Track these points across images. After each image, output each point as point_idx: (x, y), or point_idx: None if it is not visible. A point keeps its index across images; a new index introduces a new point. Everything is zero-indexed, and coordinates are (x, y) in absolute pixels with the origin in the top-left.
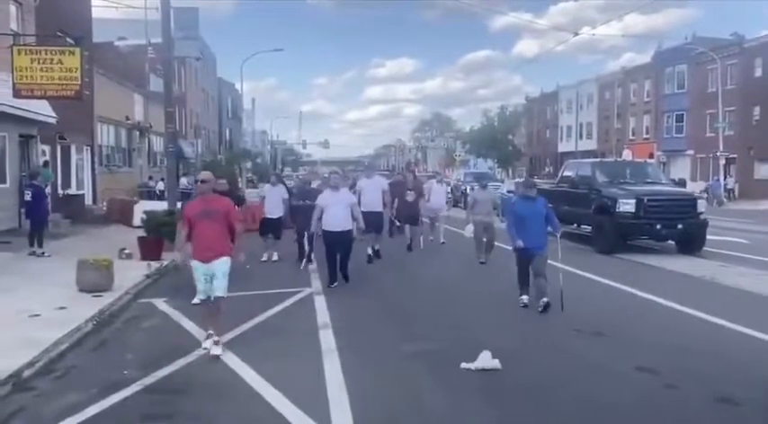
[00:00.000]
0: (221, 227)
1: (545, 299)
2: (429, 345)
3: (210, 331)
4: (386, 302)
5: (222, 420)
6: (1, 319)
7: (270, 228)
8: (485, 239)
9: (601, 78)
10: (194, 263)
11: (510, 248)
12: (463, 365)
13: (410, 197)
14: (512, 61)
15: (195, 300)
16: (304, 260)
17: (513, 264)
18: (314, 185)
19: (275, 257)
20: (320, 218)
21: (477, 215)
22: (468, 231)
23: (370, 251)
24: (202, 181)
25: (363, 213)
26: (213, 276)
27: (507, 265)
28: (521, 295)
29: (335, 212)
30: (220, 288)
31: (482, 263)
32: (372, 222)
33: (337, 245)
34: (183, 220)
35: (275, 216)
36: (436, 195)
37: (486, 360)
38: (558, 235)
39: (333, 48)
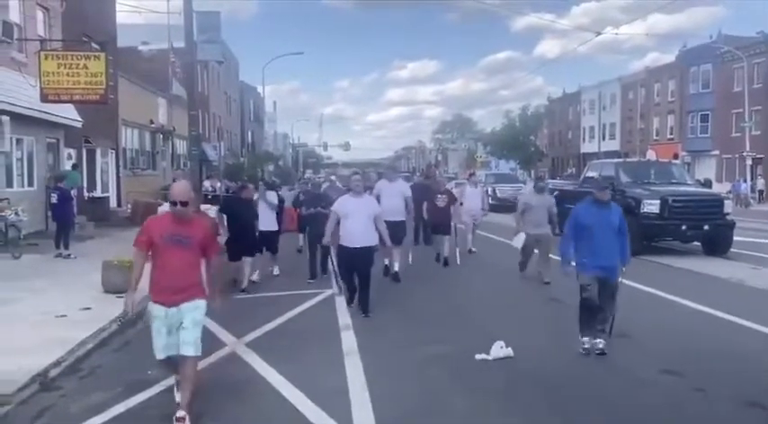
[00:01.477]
0: (195, 259)
1: (601, 343)
2: (451, 348)
3: (178, 400)
4: (408, 304)
5: (245, 420)
6: (28, 319)
7: (263, 243)
8: (536, 251)
9: (624, 78)
10: (153, 308)
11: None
12: (478, 356)
13: (441, 201)
14: (533, 62)
15: (159, 356)
16: (335, 284)
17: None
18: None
19: (276, 271)
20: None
21: (528, 225)
22: (518, 241)
23: (387, 261)
24: (180, 203)
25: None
26: (180, 326)
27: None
28: (581, 335)
29: (356, 224)
30: (190, 344)
31: (523, 277)
32: (395, 233)
33: (357, 264)
34: (138, 242)
35: (269, 229)
36: (471, 199)
37: (499, 350)
38: (624, 270)
39: (355, 51)
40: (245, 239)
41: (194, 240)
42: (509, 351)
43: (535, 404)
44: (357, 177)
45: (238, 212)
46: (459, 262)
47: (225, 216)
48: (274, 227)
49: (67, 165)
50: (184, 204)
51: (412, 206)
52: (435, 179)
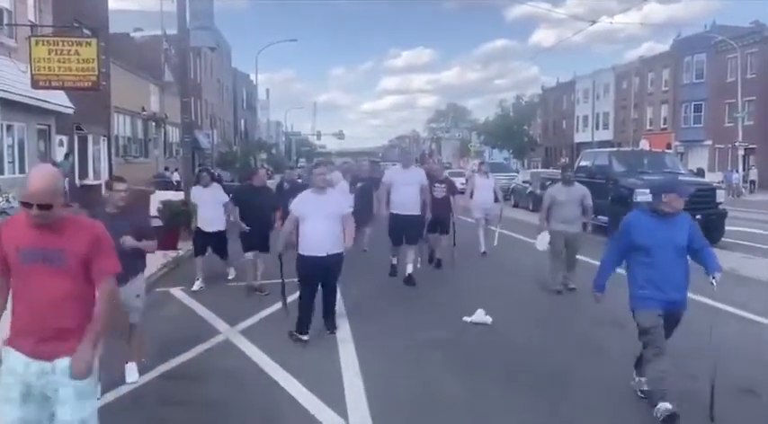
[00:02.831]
0: (75, 286)
1: (667, 406)
2: (445, 334)
3: None
4: (402, 292)
5: (239, 407)
6: None
7: (208, 245)
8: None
9: (618, 67)
10: (6, 354)
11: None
12: (465, 318)
13: (439, 191)
14: (529, 51)
15: None
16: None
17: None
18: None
19: (231, 274)
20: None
21: (556, 222)
22: (542, 243)
23: (394, 261)
24: (39, 206)
25: (397, 217)
26: (55, 397)
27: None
28: (638, 375)
29: (316, 227)
30: None
31: (558, 292)
32: (409, 230)
33: (318, 277)
34: None
35: (215, 229)
36: (482, 191)
37: (480, 316)
38: (716, 280)
39: (350, 39)
40: (259, 231)
41: (70, 256)
42: (488, 319)
43: (529, 390)
44: (321, 169)
45: (252, 201)
46: (455, 263)
47: (238, 208)
48: (221, 227)
49: (59, 153)
50: (45, 208)
51: (429, 197)
52: (432, 165)
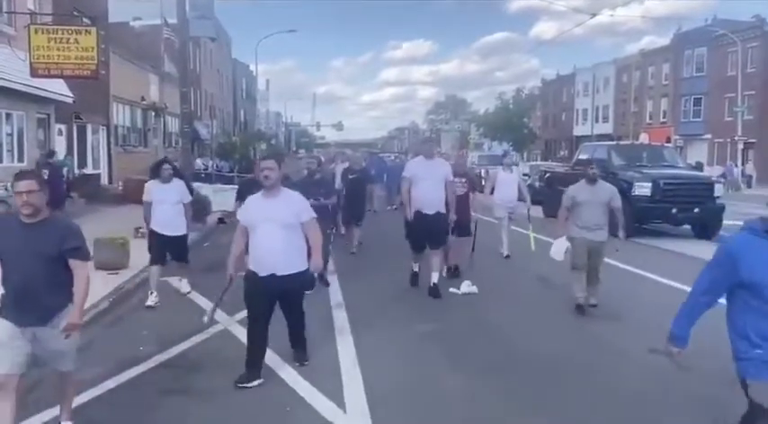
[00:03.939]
0: None
1: None
2: (442, 326)
3: None
4: (401, 283)
5: (237, 396)
6: None
7: (167, 252)
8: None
9: (618, 61)
10: None
11: None
12: (451, 289)
13: (459, 188)
14: (529, 43)
15: None
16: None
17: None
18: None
19: (186, 288)
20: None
21: (577, 227)
22: (558, 250)
23: (416, 268)
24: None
25: (419, 217)
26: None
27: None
28: None
29: (266, 237)
30: None
31: (580, 308)
32: (433, 232)
33: (271, 299)
34: None
35: (176, 233)
36: (505, 187)
37: (467, 286)
38: None
39: (350, 30)
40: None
41: None
42: (474, 289)
43: (527, 382)
44: (268, 163)
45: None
46: (473, 267)
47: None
48: (182, 230)
49: (59, 142)
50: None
51: (454, 195)
52: (456, 159)
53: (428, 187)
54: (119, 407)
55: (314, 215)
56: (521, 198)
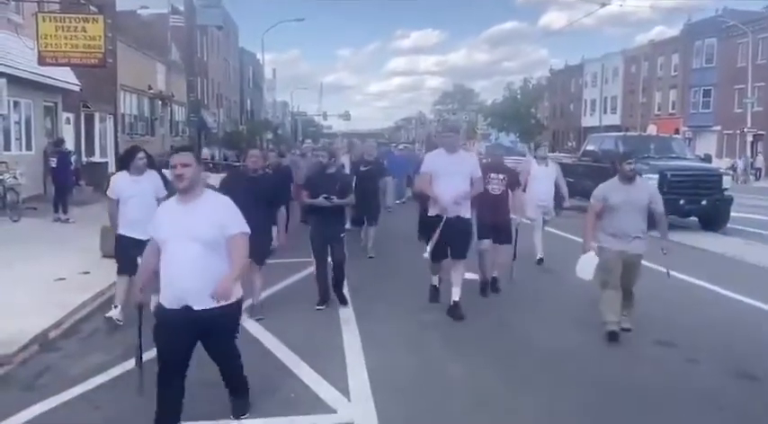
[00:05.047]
0: None
1: None
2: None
3: None
4: (405, 272)
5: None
6: (27, 282)
7: (138, 256)
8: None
9: (627, 51)
10: None
11: None
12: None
13: (496, 186)
14: (538, 33)
15: None
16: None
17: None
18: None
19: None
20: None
21: (609, 237)
22: (586, 267)
23: (435, 280)
24: None
25: (440, 221)
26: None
27: None
28: None
29: (178, 257)
30: None
31: (613, 335)
32: (456, 239)
33: (187, 342)
34: None
35: (148, 236)
36: (540, 182)
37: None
38: None
39: (357, 19)
40: (253, 235)
41: None
42: (474, 276)
43: (530, 371)
44: (182, 157)
45: (242, 193)
46: (513, 277)
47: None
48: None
49: (66, 131)
50: None
51: (481, 191)
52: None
53: (450, 185)
54: (125, 393)
55: (245, 229)
56: (562, 194)
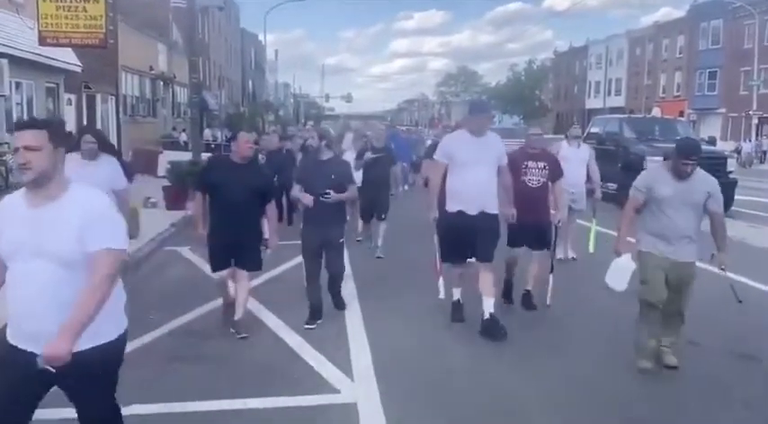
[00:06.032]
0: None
1: None
2: (448, 299)
3: None
4: (405, 254)
5: (246, 363)
6: None
7: None
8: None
9: (632, 33)
10: None
11: None
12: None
13: (535, 177)
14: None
15: None
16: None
17: None
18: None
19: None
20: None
21: (654, 237)
22: (619, 275)
23: (457, 295)
24: None
25: (458, 219)
26: None
27: None
28: None
29: (21, 276)
30: None
31: (644, 371)
32: (480, 241)
33: (33, 393)
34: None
35: None
36: (570, 167)
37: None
38: None
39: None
40: (235, 234)
41: None
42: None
43: (533, 352)
44: (26, 135)
45: (225, 185)
46: (549, 302)
47: (200, 194)
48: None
49: (68, 112)
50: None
51: (510, 182)
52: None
53: (474, 175)
54: (130, 372)
55: (120, 245)
56: (596, 180)
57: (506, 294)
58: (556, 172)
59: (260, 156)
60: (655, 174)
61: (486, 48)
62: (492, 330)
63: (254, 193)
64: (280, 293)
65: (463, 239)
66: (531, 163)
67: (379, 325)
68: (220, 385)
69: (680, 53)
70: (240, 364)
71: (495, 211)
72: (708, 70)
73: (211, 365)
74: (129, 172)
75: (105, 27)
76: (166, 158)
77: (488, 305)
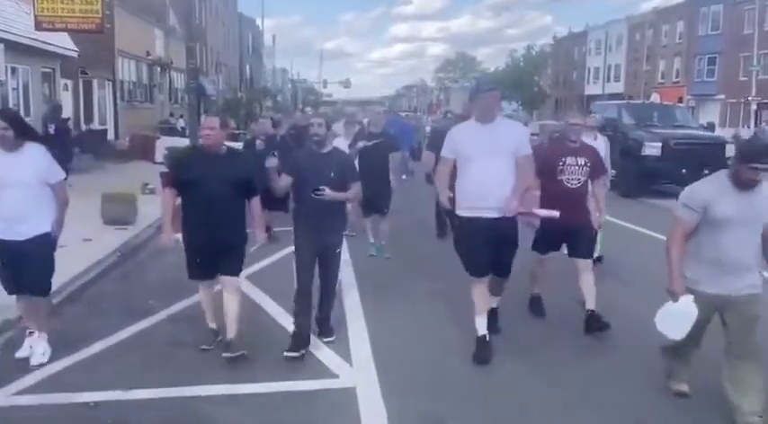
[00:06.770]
0: None
1: None
2: (447, 284)
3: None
4: (405, 244)
5: (245, 349)
6: None
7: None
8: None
9: (631, 18)
10: None
11: None
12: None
13: (575, 176)
14: None
15: None
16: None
17: None
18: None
19: (38, 358)
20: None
21: (711, 268)
22: (679, 322)
23: (482, 328)
24: None
25: (471, 225)
26: None
27: None
28: None
29: None
30: None
31: (681, 395)
32: (497, 249)
33: None
34: None
35: (27, 236)
36: None
37: None
38: None
39: None
40: (209, 238)
41: None
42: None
43: (530, 338)
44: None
45: (200, 180)
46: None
47: (170, 190)
48: (41, 228)
49: (64, 97)
50: None
51: (533, 180)
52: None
53: (482, 171)
54: (129, 358)
55: None
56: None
57: (536, 307)
58: (598, 168)
59: (258, 142)
60: (711, 187)
61: (486, 33)
62: (481, 353)
63: (235, 186)
64: (279, 279)
65: (479, 249)
66: (569, 160)
67: (378, 312)
68: (219, 370)
69: (679, 39)
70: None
71: (503, 213)
72: (707, 56)
73: (210, 352)
74: (68, 157)
75: (101, 12)
76: (164, 144)
77: (481, 323)
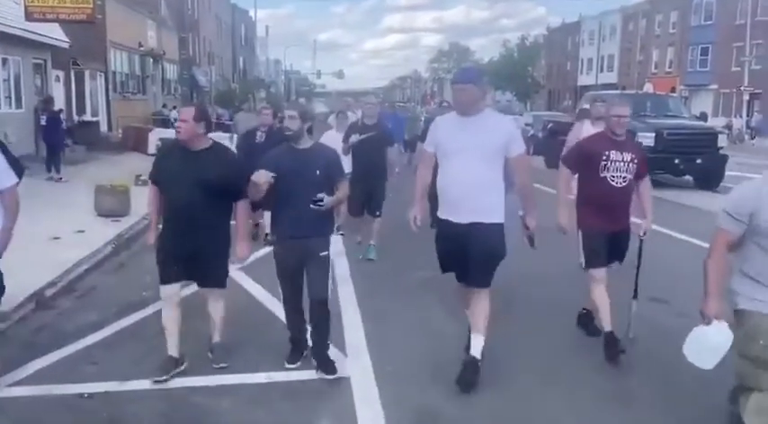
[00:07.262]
0: None
1: None
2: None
3: None
4: (400, 234)
5: (237, 340)
6: (22, 241)
7: None
8: None
9: (625, 9)
10: None
11: None
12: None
13: (620, 174)
14: None
15: None
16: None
17: None
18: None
19: None
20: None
21: (762, 286)
22: (712, 349)
23: (475, 351)
24: None
25: (448, 229)
26: None
27: None
28: None
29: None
30: None
31: None
32: (475, 261)
33: None
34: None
35: None
36: None
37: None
38: None
39: None
40: (191, 241)
41: None
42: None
43: (525, 327)
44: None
45: (171, 180)
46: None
47: (154, 187)
48: None
49: (56, 88)
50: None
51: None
52: (610, 108)
53: (458, 169)
54: (123, 349)
55: None
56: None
57: (588, 324)
58: (643, 166)
59: (258, 134)
60: (758, 192)
61: (480, 23)
62: (468, 376)
63: (212, 188)
64: (271, 268)
65: (455, 255)
66: (614, 154)
67: (372, 302)
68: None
69: (673, 29)
70: (233, 341)
71: (495, 220)
72: (700, 46)
73: (205, 341)
74: (16, 163)
75: (93, 2)
76: (157, 136)
77: (476, 345)
